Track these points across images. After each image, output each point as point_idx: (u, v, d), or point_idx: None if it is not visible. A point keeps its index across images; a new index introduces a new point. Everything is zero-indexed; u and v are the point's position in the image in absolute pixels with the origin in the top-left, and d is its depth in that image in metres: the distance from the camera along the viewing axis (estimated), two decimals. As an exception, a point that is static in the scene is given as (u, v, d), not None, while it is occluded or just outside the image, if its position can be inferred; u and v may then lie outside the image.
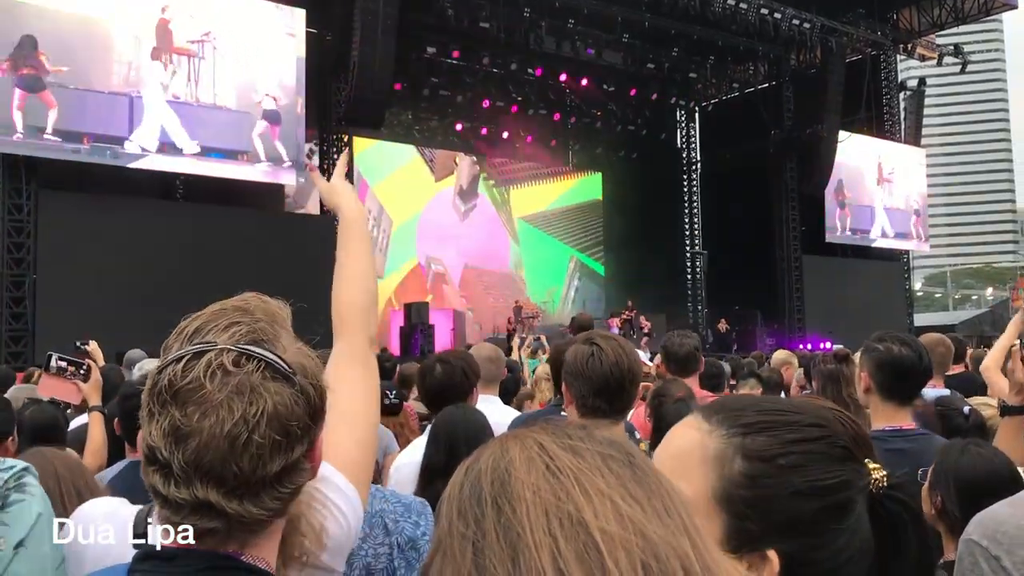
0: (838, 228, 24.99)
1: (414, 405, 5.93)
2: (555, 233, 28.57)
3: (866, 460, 1.02)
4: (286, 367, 1.04)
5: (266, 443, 1.00)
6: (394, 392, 4.88)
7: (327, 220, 18.81)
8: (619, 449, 0.72)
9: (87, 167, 14.41)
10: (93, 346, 4.79)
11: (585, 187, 29.25)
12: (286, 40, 16.35)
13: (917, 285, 35.83)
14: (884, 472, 1.02)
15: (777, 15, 20.26)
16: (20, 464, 1.51)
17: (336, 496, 1.34)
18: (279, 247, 15.90)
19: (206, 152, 15.47)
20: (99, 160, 14.44)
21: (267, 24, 16.21)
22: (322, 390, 1.09)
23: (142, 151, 14.83)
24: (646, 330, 21.95)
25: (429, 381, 3.56)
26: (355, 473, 1.41)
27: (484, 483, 0.69)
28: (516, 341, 10.94)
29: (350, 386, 1.51)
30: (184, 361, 1.02)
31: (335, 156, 19.45)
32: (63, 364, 3.83)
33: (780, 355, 7.76)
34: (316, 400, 1.07)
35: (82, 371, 3.85)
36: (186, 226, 15.31)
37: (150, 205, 16.16)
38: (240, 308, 1.11)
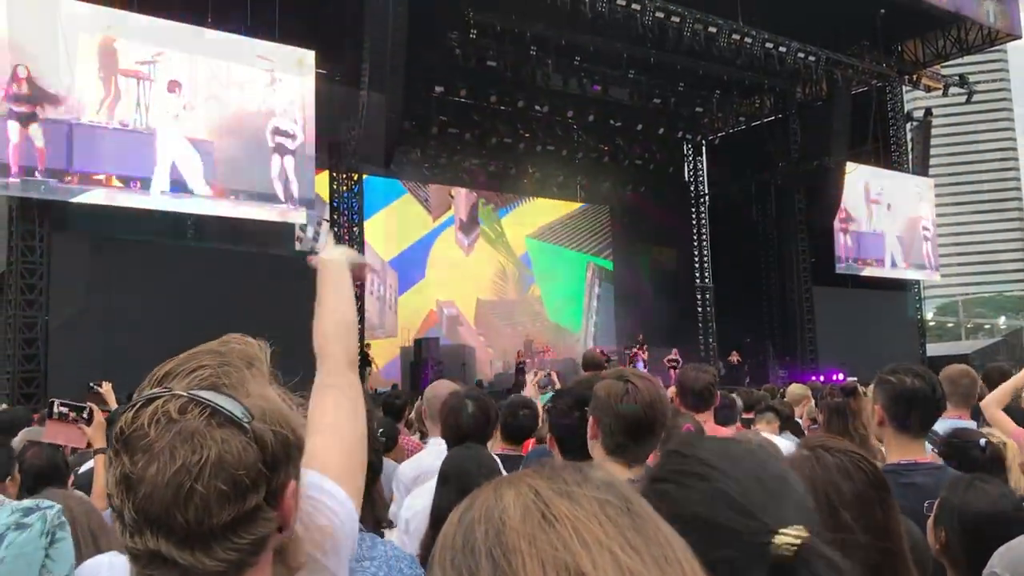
0: (846, 258, 24.89)
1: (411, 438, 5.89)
2: (567, 243, 28.32)
3: (794, 526, 0.92)
4: (239, 413, 1.01)
5: (210, 493, 0.97)
6: (380, 431, 4.82)
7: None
8: (617, 494, 0.70)
9: (100, 209, 14.43)
10: (106, 388, 4.80)
11: (592, 221, 29.27)
12: (296, 80, 16.40)
13: (929, 315, 35.65)
14: (804, 537, 0.91)
15: (782, 49, 20.39)
16: (57, 505, 1.56)
17: (323, 496, 1.32)
18: (291, 286, 15.89)
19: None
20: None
21: (273, 62, 16.21)
22: (285, 437, 1.05)
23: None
24: (675, 361, 21.85)
25: (465, 419, 3.47)
26: (342, 478, 1.39)
27: (478, 533, 0.66)
28: (529, 376, 10.83)
29: (333, 400, 1.52)
30: (135, 408, 1.01)
31: (345, 195, 19.57)
32: (64, 409, 3.85)
33: (795, 389, 7.69)
34: (275, 447, 1.03)
35: (84, 415, 3.87)
36: (198, 266, 15.38)
37: (161, 246, 16.24)
38: (214, 351, 1.10)
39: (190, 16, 15.19)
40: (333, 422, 1.48)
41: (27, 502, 1.56)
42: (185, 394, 1.01)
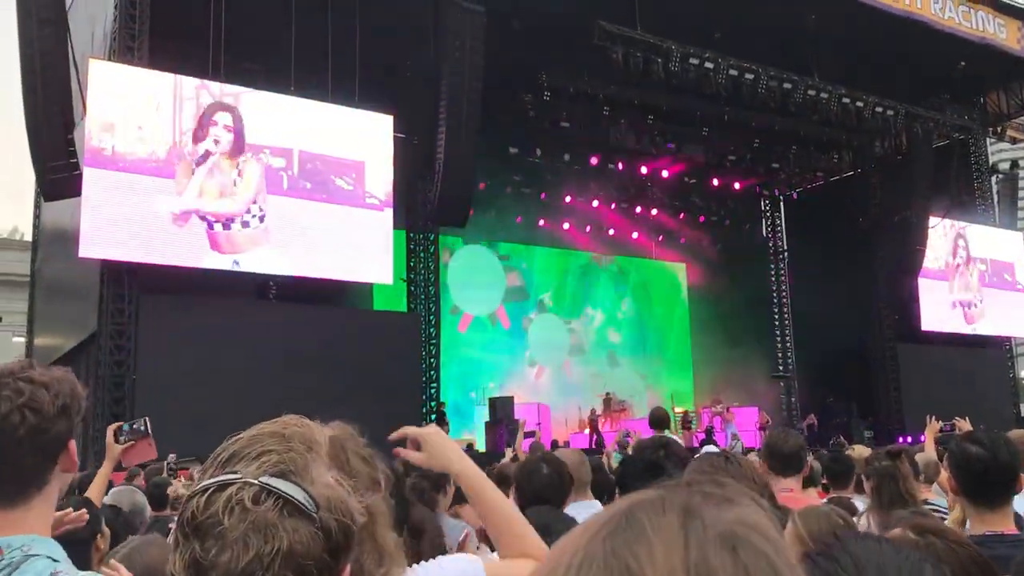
0: (934, 316, 24.03)
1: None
2: (644, 301, 28.17)
3: None
4: (308, 504, 1.04)
5: None
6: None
7: (413, 317, 19.12)
8: None
9: (183, 271, 14.87)
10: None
11: (668, 278, 29.02)
12: (375, 142, 16.78)
13: (1022, 373, 34.18)
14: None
15: (859, 103, 20.09)
16: (20, 538, 1.56)
17: None
18: (368, 343, 16.19)
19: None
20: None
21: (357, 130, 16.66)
22: (347, 526, 1.08)
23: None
24: (763, 425, 21.35)
25: (536, 481, 3.45)
26: None
27: None
28: (610, 448, 10.61)
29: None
30: (208, 493, 1.04)
31: (422, 255, 19.87)
32: (129, 429, 3.58)
33: (861, 451, 7.40)
34: (339, 536, 1.06)
35: (142, 427, 3.56)
36: (279, 325, 15.71)
37: (244, 305, 16.65)
38: (277, 434, 1.13)
39: (276, 84, 15.86)
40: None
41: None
42: (258, 483, 1.04)
